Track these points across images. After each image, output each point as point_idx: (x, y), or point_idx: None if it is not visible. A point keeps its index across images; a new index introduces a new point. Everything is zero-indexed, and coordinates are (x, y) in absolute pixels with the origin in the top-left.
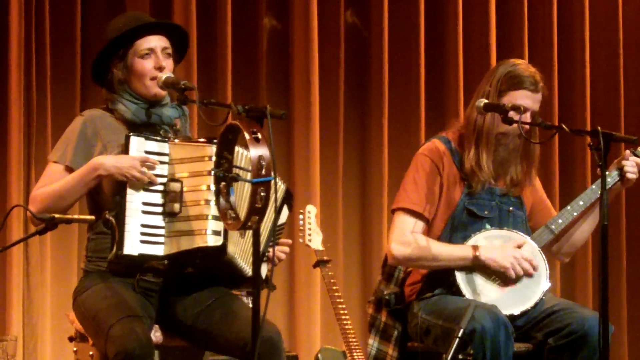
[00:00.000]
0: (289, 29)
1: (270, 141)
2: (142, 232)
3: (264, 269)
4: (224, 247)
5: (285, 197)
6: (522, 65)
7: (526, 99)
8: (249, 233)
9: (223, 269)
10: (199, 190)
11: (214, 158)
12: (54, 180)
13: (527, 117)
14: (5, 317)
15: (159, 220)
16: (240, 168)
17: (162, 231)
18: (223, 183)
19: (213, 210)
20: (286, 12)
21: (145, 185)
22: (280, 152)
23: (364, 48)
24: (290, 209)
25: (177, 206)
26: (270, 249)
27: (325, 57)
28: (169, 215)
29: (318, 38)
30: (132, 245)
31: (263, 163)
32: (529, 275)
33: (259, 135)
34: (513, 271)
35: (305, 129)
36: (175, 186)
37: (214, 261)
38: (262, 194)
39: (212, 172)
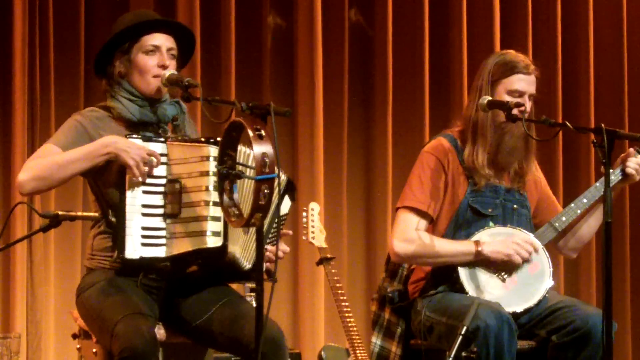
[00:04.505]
0: (293, 27)
1: (274, 138)
2: (142, 235)
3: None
4: (224, 247)
5: (286, 188)
6: (511, 52)
7: (521, 82)
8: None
9: (225, 266)
10: (198, 191)
11: (211, 158)
12: (49, 156)
13: (525, 100)
14: (9, 315)
15: (159, 222)
16: (243, 165)
17: (163, 232)
18: (226, 180)
19: (212, 211)
20: (290, 11)
21: (142, 185)
22: (284, 149)
23: (368, 46)
24: (292, 199)
25: (176, 207)
26: (271, 242)
27: (329, 56)
28: (169, 216)
29: (322, 36)
30: (134, 249)
31: (267, 160)
32: (529, 261)
33: (263, 133)
34: (518, 256)
35: (309, 126)
36: (175, 187)
37: (216, 262)
38: (266, 191)
39: (216, 169)
